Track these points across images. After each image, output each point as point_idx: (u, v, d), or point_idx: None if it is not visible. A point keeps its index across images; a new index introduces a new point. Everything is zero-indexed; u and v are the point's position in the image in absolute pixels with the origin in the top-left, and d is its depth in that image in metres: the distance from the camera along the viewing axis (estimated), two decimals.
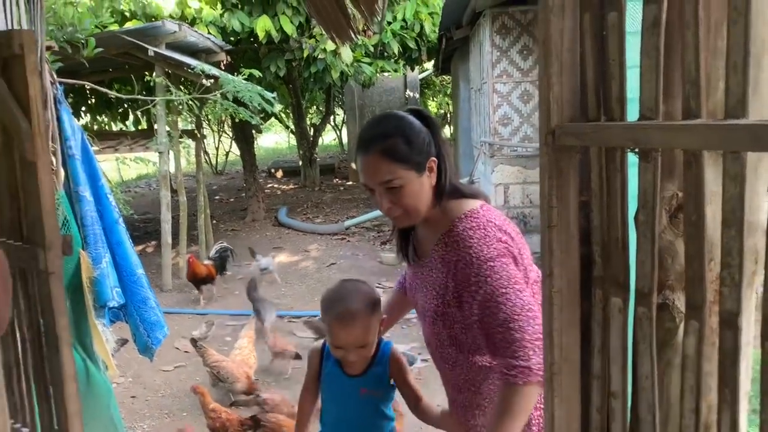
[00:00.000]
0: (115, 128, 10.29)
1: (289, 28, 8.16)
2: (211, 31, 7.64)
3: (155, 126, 6.71)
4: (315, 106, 18.96)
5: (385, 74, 11.92)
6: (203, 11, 7.69)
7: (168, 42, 6.28)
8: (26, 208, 1.42)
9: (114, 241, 2.68)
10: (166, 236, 6.71)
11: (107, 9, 6.96)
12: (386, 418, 1.77)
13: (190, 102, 5.99)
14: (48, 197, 1.36)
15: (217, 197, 13.11)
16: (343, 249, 8.12)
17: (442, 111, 19.75)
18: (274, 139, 27.60)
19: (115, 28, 6.73)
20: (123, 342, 3.88)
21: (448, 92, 17.36)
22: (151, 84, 6.53)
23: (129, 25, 7.04)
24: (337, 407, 1.77)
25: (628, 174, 1.00)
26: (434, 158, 1.50)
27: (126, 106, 9.74)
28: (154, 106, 6.21)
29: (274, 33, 8.05)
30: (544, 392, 1.12)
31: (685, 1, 0.85)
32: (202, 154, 8.44)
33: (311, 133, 14.45)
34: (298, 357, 4.25)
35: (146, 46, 5.98)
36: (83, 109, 9.70)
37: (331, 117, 17.42)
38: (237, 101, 6.15)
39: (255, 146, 11.09)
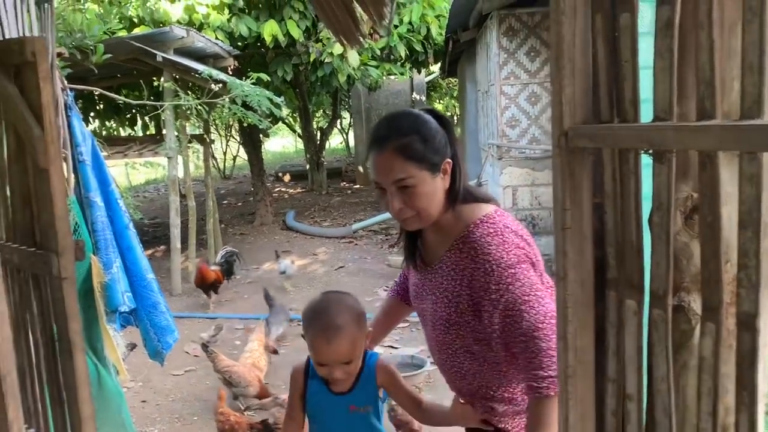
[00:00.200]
0: (123, 134, 10.35)
1: (296, 33, 8.19)
2: (218, 36, 7.68)
3: (163, 131, 6.74)
4: (322, 110, 19.00)
5: (392, 77, 11.94)
6: (211, 16, 7.72)
7: (176, 47, 6.32)
8: (39, 214, 1.43)
9: (124, 246, 2.70)
10: (176, 241, 6.73)
11: (115, 15, 7.01)
12: None
13: (199, 107, 6.01)
14: (60, 203, 1.37)
15: (225, 201, 13.15)
16: (351, 252, 8.13)
17: (449, 113, 19.73)
18: (281, 143, 27.67)
19: (123, 34, 6.77)
20: (132, 346, 3.90)
21: (455, 94, 17.36)
22: (160, 89, 6.56)
23: (137, 31, 7.08)
24: (326, 427, 1.68)
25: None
26: (449, 160, 1.45)
27: (134, 111, 9.80)
28: (163, 111, 6.24)
29: (281, 37, 8.08)
30: (558, 395, 1.12)
31: (699, 1, 0.84)
32: (210, 159, 8.48)
33: (318, 137, 14.47)
34: (275, 352, 4.44)
35: (155, 51, 6.01)
36: (92, 114, 9.76)
37: (338, 120, 17.44)
38: (245, 105, 6.17)
39: (262, 150, 11.12)
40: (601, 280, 1.08)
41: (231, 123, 14.26)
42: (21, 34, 1.96)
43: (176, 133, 6.58)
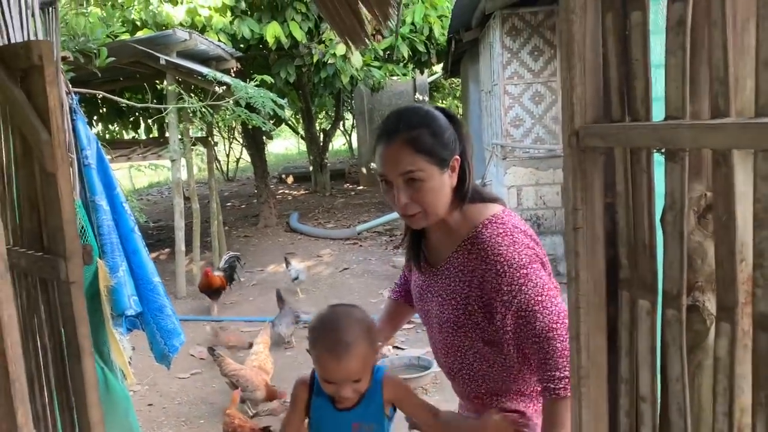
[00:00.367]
0: (126, 137, 10.36)
1: (299, 34, 8.19)
2: (221, 39, 7.68)
3: (166, 134, 6.75)
4: (324, 112, 19.01)
5: (395, 78, 11.93)
6: (213, 19, 7.73)
7: (179, 50, 6.32)
8: (46, 218, 1.42)
9: (130, 250, 2.69)
10: (180, 243, 6.74)
11: (118, 18, 7.02)
12: None
13: (203, 109, 6.01)
14: (68, 207, 1.36)
15: (228, 204, 13.16)
16: (356, 254, 8.12)
17: None
18: (284, 145, 27.69)
19: (126, 37, 6.78)
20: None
21: (457, 95, 17.36)
22: (164, 92, 6.57)
23: (140, 34, 7.09)
24: None
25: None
26: (458, 157, 1.43)
27: (137, 114, 9.81)
28: (167, 114, 6.24)
29: (283, 39, 8.08)
30: (571, 397, 1.11)
31: None
32: (213, 161, 8.48)
33: (321, 139, 14.48)
34: (250, 346, 4.58)
35: (158, 54, 6.02)
36: (95, 118, 9.77)
37: (341, 122, 17.45)
38: (249, 107, 6.17)
39: (265, 152, 11.12)
40: (612, 280, 1.08)
41: (234, 125, 14.27)
42: (26, 39, 1.96)
43: (179, 136, 6.58)
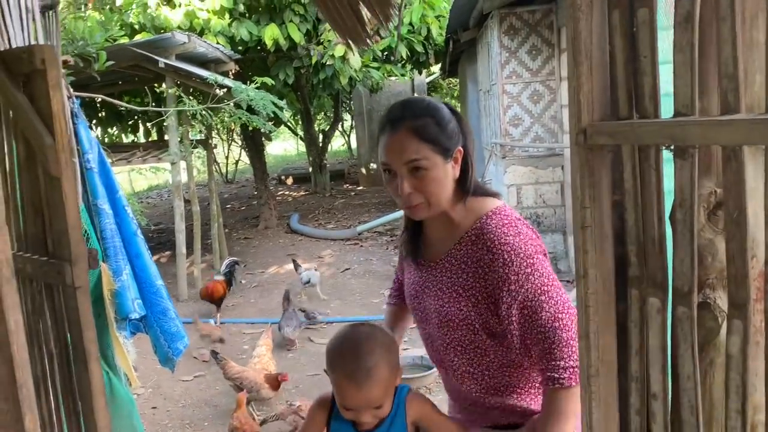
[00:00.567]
0: (126, 140, 10.35)
1: (297, 36, 8.19)
2: (219, 41, 7.68)
3: (165, 137, 6.73)
4: (323, 113, 19.01)
5: (393, 78, 11.93)
6: (211, 21, 7.73)
7: (178, 53, 6.32)
8: (51, 222, 1.42)
9: (133, 253, 2.69)
10: (181, 246, 6.73)
11: (116, 22, 7.01)
12: None
13: (204, 112, 6.01)
14: (73, 211, 1.36)
15: (228, 206, 13.15)
16: (357, 254, 8.12)
17: None
18: (283, 147, 27.69)
19: (124, 41, 6.77)
20: None
21: (455, 94, 17.35)
22: (164, 95, 6.56)
23: (138, 37, 7.09)
24: None
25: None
26: (461, 148, 1.43)
27: (136, 118, 9.80)
28: (168, 117, 6.24)
29: (282, 41, 8.08)
30: (581, 395, 1.11)
31: None
32: (213, 163, 8.48)
33: (320, 140, 14.48)
34: (221, 341, 4.90)
35: (157, 57, 6.01)
36: (94, 122, 9.76)
37: (340, 123, 17.45)
38: (249, 110, 6.17)
39: (265, 154, 11.12)
40: (621, 278, 1.07)
41: (233, 127, 14.27)
42: (26, 43, 1.95)
43: (179, 139, 6.58)
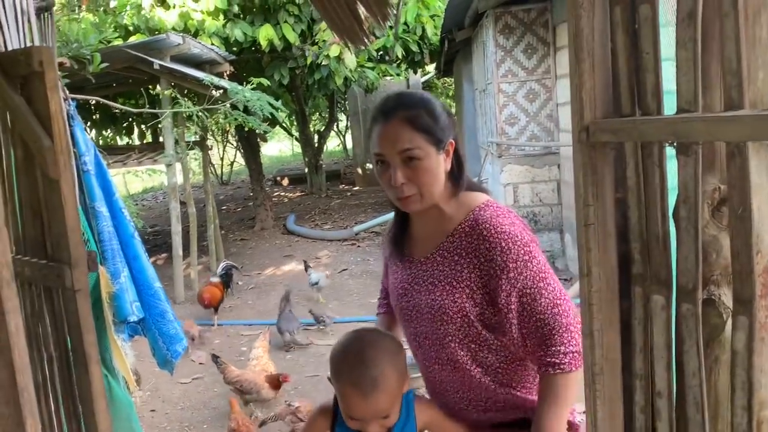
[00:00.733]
0: (120, 143, 10.32)
1: (292, 36, 8.17)
2: (214, 42, 7.66)
3: (160, 138, 6.71)
4: (318, 113, 18.99)
5: (388, 78, 11.93)
6: (206, 22, 7.71)
7: (173, 55, 6.29)
8: (50, 225, 1.41)
9: (130, 256, 2.68)
10: (178, 248, 6.70)
11: (110, 24, 6.99)
12: None
13: (200, 113, 5.99)
14: (72, 214, 1.35)
15: (224, 207, 13.12)
16: (354, 254, 8.11)
17: None
18: (278, 147, 27.65)
19: (119, 42, 6.75)
20: None
21: (450, 94, 17.36)
22: (160, 97, 6.54)
23: (133, 39, 7.06)
24: None
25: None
26: (452, 141, 1.43)
27: (131, 120, 9.77)
28: (164, 118, 6.21)
29: (276, 41, 8.06)
30: (585, 393, 1.11)
31: None
32: (209, 165, 8.46)
33: (316, 140, 14.46)
34: (192, 339, 4.83)
35: (151, 59, 5.99)
36: (88, 124, 9.72)
37: (335, 123, 17.43)
38: (246, 110, 6.15)
39: (260, 155, 11.10)
40: (625, 276, 1.07)
41: (228, 129, 14.24)
42: (22, 45, 1.94)
43: (175, 139, 6.56)
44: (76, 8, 7.58)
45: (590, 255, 1.05)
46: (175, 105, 6.08)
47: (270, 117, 6.38)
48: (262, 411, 3.82)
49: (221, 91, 6.10)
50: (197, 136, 8.02)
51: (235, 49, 8.20)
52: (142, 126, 9.66)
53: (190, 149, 7.21)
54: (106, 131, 10.21)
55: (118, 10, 7.75)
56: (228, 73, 7.43)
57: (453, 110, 14.62)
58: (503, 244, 1.37)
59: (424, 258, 1.49)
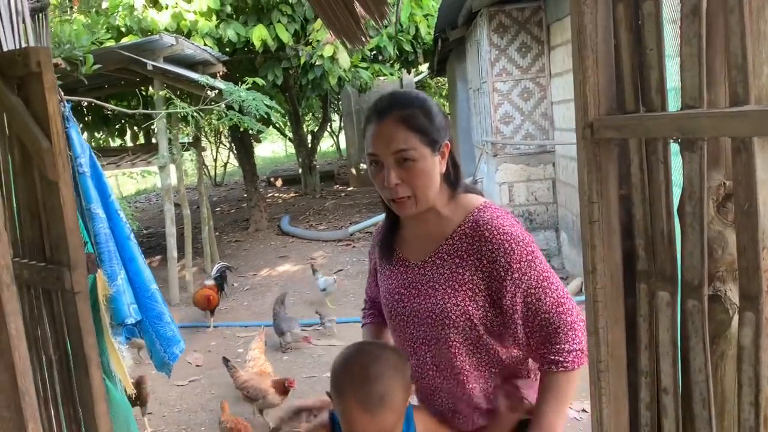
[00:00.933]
0: (113, 144, 10.28)
1: (285, 36, 8.16)
2: (207, 43, 7.63)
3: (153, 140, 6.67)
4: (311, 113, 18.97)
5: (381, 78, 11.92)
6: (199, 23, 7.68)
7: (166, 55, 6.27)
8: (49, 227, 1.40)
9: (127, 258, 2.66)
10: (172, 250, 6.67)
11: (103, 25, 6.95)
12: None
13: (195, 114, 5.96)
14: (71, 216, 1.34)
15: (217, 209, 13.09)
16: (349, 255, 8.10)
17: None
18: (271, 148, 27.60)
19: (111, 43, 6.71)
20: None
21: (444, 93, 17.36)
22: (154, 98, 6.51)
23: (125, 40, 7.03)
24: None
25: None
26: (448, 143, 1.40)
27: (123, 121, 9.73)
28: (159, 119, 6.18)
29: (270, 42, 8.04)
30: (590, 391, 1.10)
31: None
32: (202, 166, 8.43)
33: (309, 141, 14.44)
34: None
35: (145, 60, 5.96)
36: (80, 126, 9.68)
37: (328, 123, 17.42)
38: (241, 111, 6.13)
39: (254, 156, 11.07)
40: (629, 273, 1.07)
41: (221, 129, 14.21)
42: (17, 46, 1.93)
43: (169, 142, 6.53)
44: (68, 9, 7.54)
45: (595, 252, 1.05)
46: (170, 106, 6.05)
47: (266, 116, 6.36)
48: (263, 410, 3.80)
49: (216, 91, 6.08)
50: (190, 138, 7.99)
51: (228, 49, 8.18)
52: (135, 128, 9.63)
53: (185, 150, 7.18)
54: (99, 133, 10.17)
55: (110, 11, 7.71)
56: (221, 73, 7.41)
57: (447, 110, 14.65)
58: (506, 246, 1.34)
59: (421, 261, 1.45)
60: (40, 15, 2.13)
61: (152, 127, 6.55)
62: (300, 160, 13.94)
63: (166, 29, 7.30)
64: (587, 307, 1.08)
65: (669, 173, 0.96)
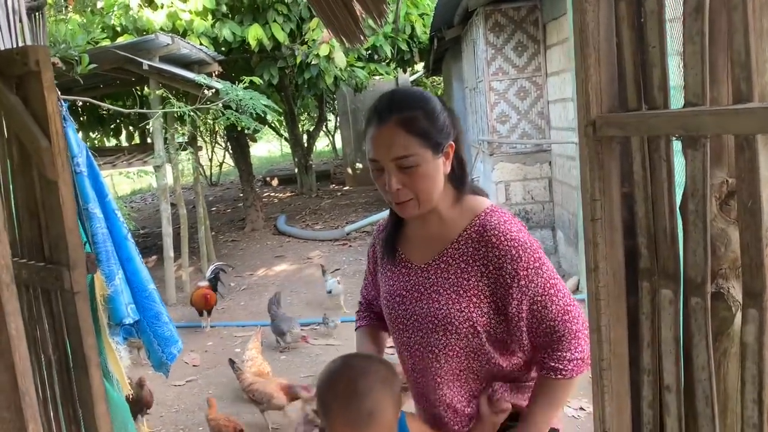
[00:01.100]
0: (108, 144, 10.24)
1: (281, 36, 8.14)
2: (203, 42, 7.61)
3: (149, 140, 6.65)
4: (307, 113, 18.94)
5: (377, 78, 11.92)
6: (194, 22, 7.66)
7: (161, 55, 6.25)
8: (48, 227, 1.39)
9: (124, 257, 2.65)
10: (168, 250, 6.66)
11: (98, 24, 6.93)
12: None
13: (191, 113, 5.94)
14: (70, 215, 1.33)
15: (213, 209, 13.06)
16: (346, 254, 8.10)
17: None
18: (267, 148, 27.56)
19: (106, 43, 6.69)
20: None
21: (439, 92, 17.37)
22: (149, 98, 6.49)
23: (121, 39, 7.00)
24: None
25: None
26: (452, 143, 1.36)
27: (118, 121, 9.70)
28: (156, 119, 6.16)
29: (265, 41, 8.03)
30: (593, 389, 1.10)
31: None
32: (199, 166, 8.41)
33: (305, 140, 14.43)
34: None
35: (141, 60, 5.95)
36: (75, 126, 9.64)
37: (324, 123, 17.40)
38: (237, 110, 6.11)
39: (250, 155, 11.05)
40: (632, 271, 1.07)
41: (217, 129, 14.19)
42: (14, 45, 1.92)
43: (166, 138, 6.51)
44: (63, 9, 7.51)
45: (597, 250, 1.05)
46: (166, 105, 6.03)
47: (263, 115, 6.35)
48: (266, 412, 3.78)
49: (212, 90, 6.06)
50: (185, 137, 7.97)
51: (223, 49, 8.16)
52: (131, 127, 9.60)
53: (182, 149, 7.16)
54: (94, 133, 10.13)
55: (105, 10, 7.69)
56: (217, 73, 7.40)
57: None
58: (513, 252, 1.31)
59: (425, 264, 1.42)
60: (37, 14, 2.12)
61: (148, 126, 6.52)
62: (296, 159, 13.92)
63: (161, 29, 7.28)
64: (589, 305, 1.08)
65: (671, 171, 0.96)
